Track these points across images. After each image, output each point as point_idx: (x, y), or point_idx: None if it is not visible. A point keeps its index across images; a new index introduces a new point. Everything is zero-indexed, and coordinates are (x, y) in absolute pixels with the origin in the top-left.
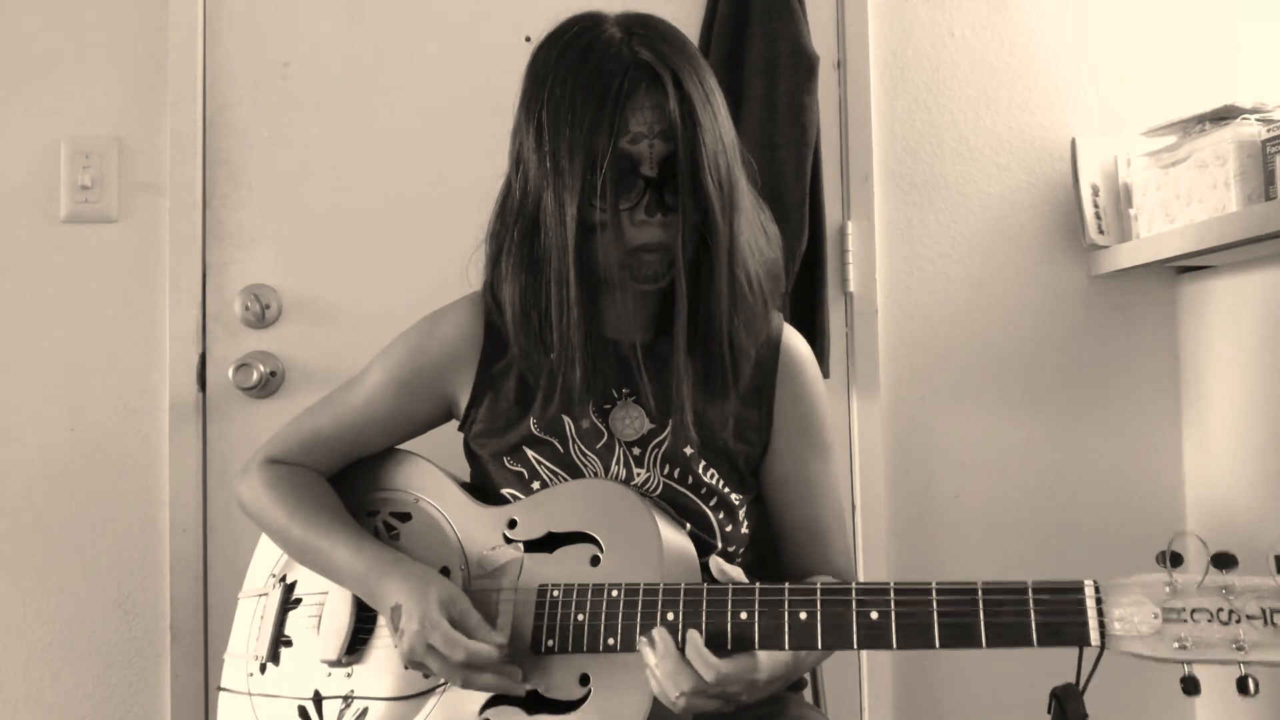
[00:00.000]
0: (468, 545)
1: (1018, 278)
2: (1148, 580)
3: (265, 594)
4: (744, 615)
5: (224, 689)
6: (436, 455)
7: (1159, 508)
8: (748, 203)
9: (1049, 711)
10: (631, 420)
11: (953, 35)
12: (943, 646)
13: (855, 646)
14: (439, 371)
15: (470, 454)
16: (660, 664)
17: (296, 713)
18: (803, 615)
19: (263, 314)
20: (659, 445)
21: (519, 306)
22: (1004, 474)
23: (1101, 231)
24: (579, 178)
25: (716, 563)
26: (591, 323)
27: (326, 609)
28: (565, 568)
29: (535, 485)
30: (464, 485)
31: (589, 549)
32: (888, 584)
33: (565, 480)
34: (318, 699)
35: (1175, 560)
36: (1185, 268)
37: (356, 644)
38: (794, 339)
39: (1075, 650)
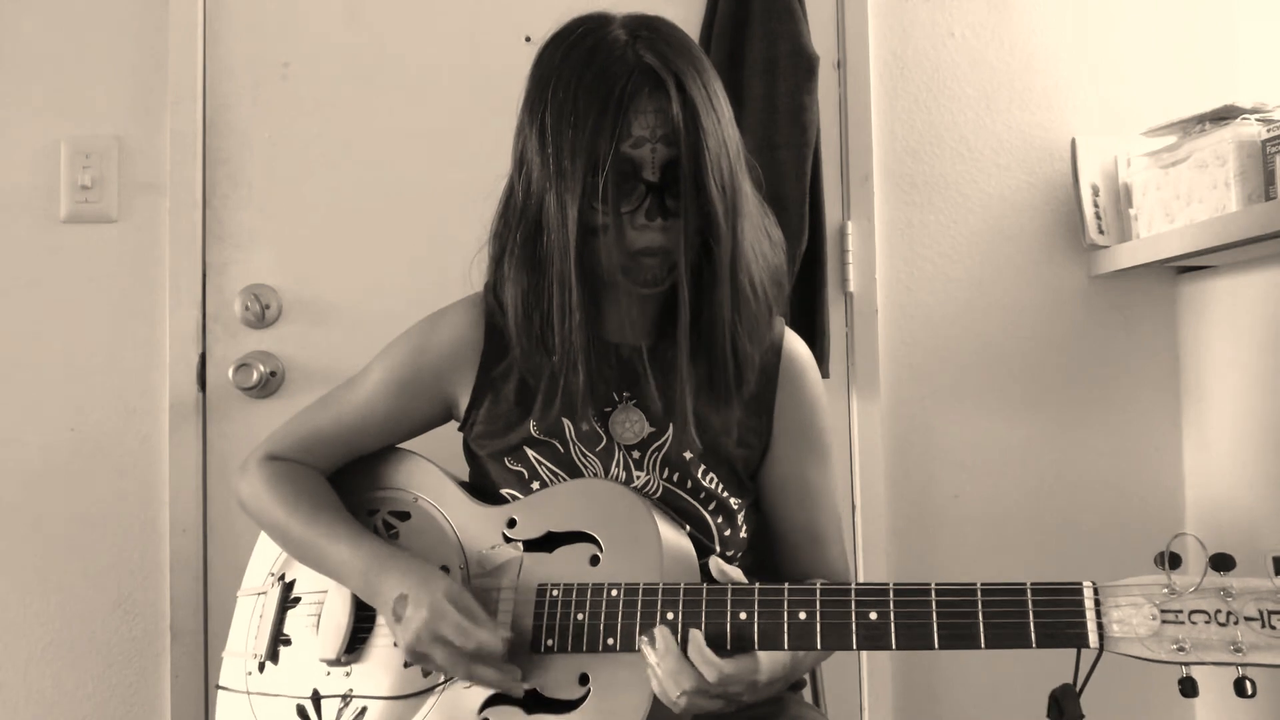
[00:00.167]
0: (467, 544)
1: (1018, 278)
2: (1146, 582)
3: (264, 592)
4: (743, 615)
5: (222, 687)
6: (436, 455)
7: (1159, 508)
8: (751, 207)
9: (1047, 713)
10: (631, 424)
11: (953, 35)
12: (942, 647)
13: (854, 647)
14: (439, 372)
15: (470, 454)
16: (662, 662)
17: (295, 711)
18: (802, 615)
19: (263, 314)
20: (659, 449)
21: (521, 308)
22: (1004, 474)
23: (1101, 231)
24: (580, 180)
25: (716, 563)
26: (593, 326)
27: (325, 608)
28: (565, 567)
29: (535, 485)
30: (463, 485)
31: (589, 549)
32: (887, 585)
33: (565, 480)
34: (316, 698)
35: (1174, 562)
36: (1185, 268)
37: (355, 643)
38: (796, 344)
39: (1073, 651)
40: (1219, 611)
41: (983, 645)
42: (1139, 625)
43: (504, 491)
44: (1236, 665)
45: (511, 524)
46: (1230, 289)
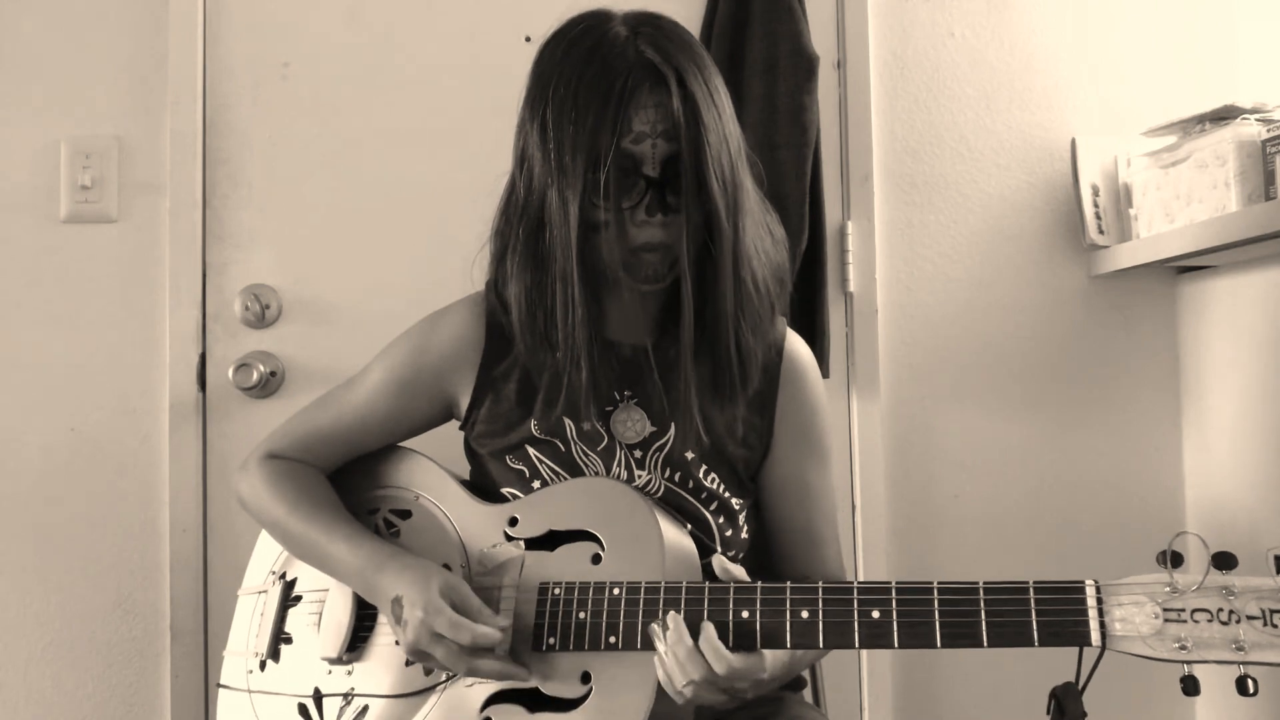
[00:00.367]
0: (468, 543)
1: (1018, 278)
2: (1148, 580)
3: (265, 591)
4: (746, 614)
5: (223, 686)
6: (437, 454)
7: (1159, 508)
8: (753, 204)
9: (1048, 711)
10: (633, 423)
11: (953, 35)
12: (944, 646)
13: (857, 646)
14: (439, 372)
15: (470, 453)
16: (672, 650)
17: (296, 710)
18: (804, 614)
19: (263, 314)
20: (660, 448)
21: (524, 305)
22: (1004, 474)
23: (1101, 231)
24: (581, 176)
25: (719, 561)
26: (596, 323)
27: (327, 606)
28: (567, 566)
29: (536, 484)
30: (464, 483)
31: (590, 547)
32: (889, 583)
33: (566, 479)
34: (318, 696)
35: (1176, 560)
36: (1185, 268)
37: (357, 641)
38: (797, 345)
39: (1075, 649)
40: (1221, 610)
41: (985, 644)
42: (1141, 624)
43: (505, 490)
44: (1238, 664)
45: (513, 522)
46: (1230, 289)
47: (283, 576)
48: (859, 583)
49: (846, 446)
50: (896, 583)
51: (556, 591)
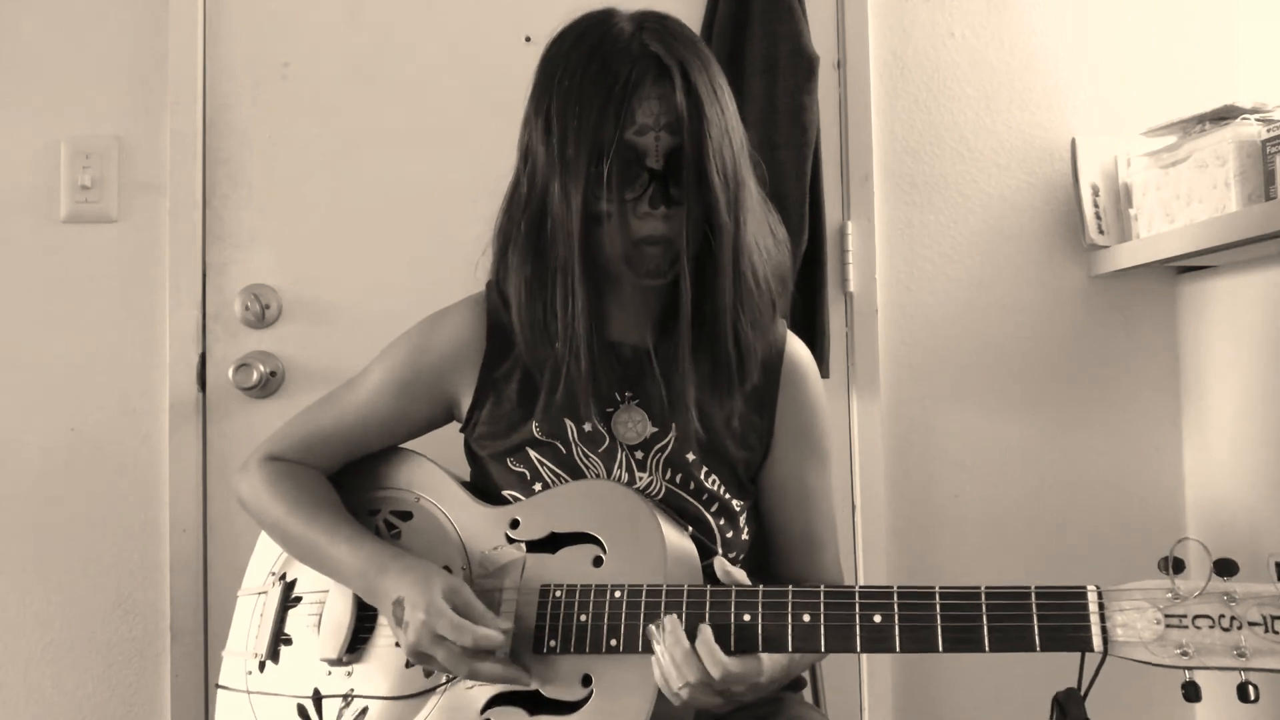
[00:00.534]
0: (469, 545)
1: (1018, 278)
2: (1150, 586)
3: (264, 592)
4: (747, 617)
5: (222, 686)
6: (437, 455)
7: (1159, 508)
8: (755, 202)
9: (1051, 717)
10: (634, 424)
11: (953, 35)
12: (946, 650)
13: (858, 650)
14: (440, 373)
15: (471, 455)
16: (668, 652)
17: (296, 711)
18: (806, 618)
19: (263, 314)
20: (661, 450)
21: (525, 297)
22: (1004, 474)
23: (1101, 231)
24: (585, 167)
25: (721, 563)
26: (597, 317)
27: (327, 607)
28: (568, 568)
29: (537, 486)
30: (465, 485)
31: (592, 549)
32: (891, 587)
33: (568, 482)
34: (317, 697)
35: (1177, 566)
36: (1185, 268)
37: (357, 643)
38: (798, 347)
39: (1076, 654)
40: (1222, 616)
41: (987, 649)
42: (1143, 629)
43: (506, 493)
44: (1240, 670)
45: (514, 524)
46: (1230, 289)
47: (282, 577)
48: (861, 587)
49: (846, 446)
50: (898, 587)
51: (558, 594)
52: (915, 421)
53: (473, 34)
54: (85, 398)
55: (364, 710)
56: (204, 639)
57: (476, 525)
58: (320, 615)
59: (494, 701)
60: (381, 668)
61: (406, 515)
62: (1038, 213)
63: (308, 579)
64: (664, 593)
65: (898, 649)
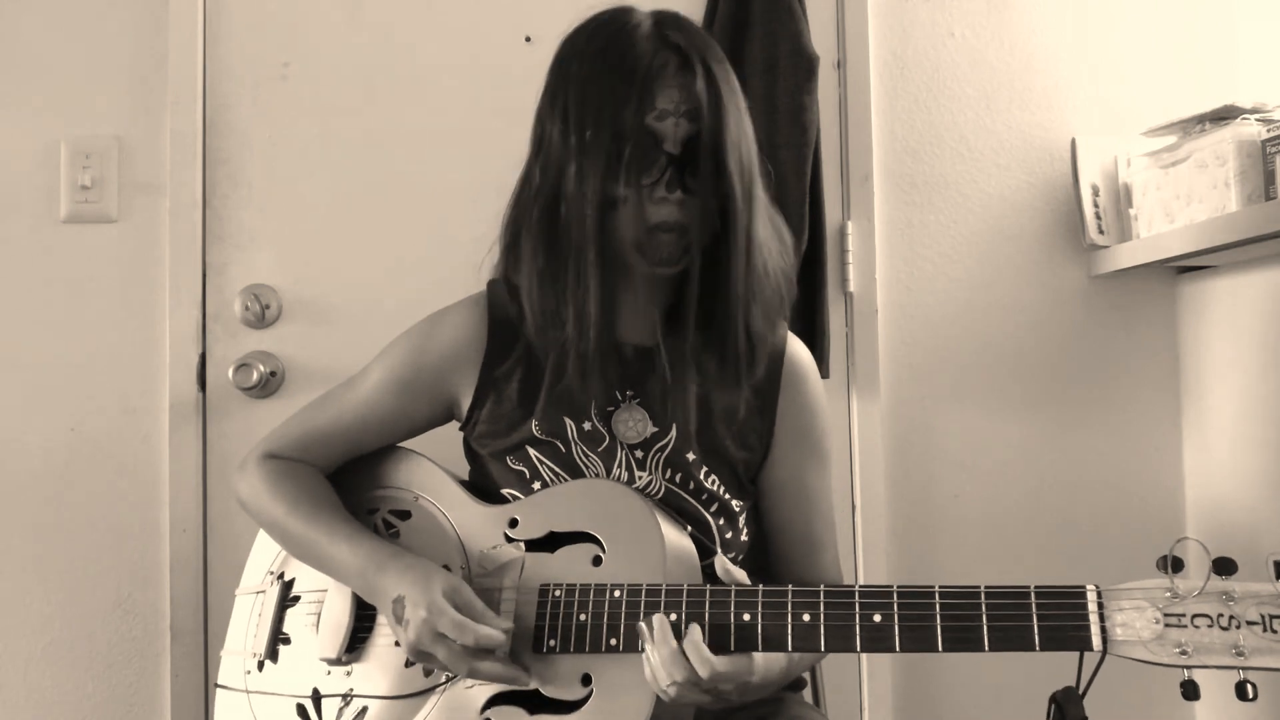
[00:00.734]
0: (468, 544)
1: (1018, 278)
2: (1149, 585)
3: (263, 591)
4: (747, 616)
5: (221, 686)
6: (436, 454)
7: (1159, 508)
8: (765, 203)
9: (1048, 716)
10: (635, 423)
11: (953, 35)
12: (946, 650)
13: (858, 649)
14: (440, 372)
15: (470, 453)
16: (655, 651)
17: (295, 711)
18: (806, 617)
19: (263, 314)
20: (662, 449)
21: (537, 284)
22: (1004, 474)
23: (1101, 231)
24: (604, 151)
25: (721, 562)
26: (609, 303)
27: (325, 607)
28: (567, 567)
29: (536, 485)
30: (464, 484)
31: (591, 549)
32: (891, 587)
33: (567, 480)
34: (316, 697)
35: (1176, 565)
36: (1185, 268)
37: (356, 642)
38: (798, 348)
39: (1074, 652)
40: (1221, 615)
41: (987, 648)
42: (1142, 629)
43: (505, 491)
44: (1238, 669)
45: (513, 524)
46: (1230, 289)
47: (281, 576)
48: (860, 586)
49: (846, 446)
50: (898, 586)
51: (557, 593)
52: (915, 421)
53: (473, 34)
54: (85, 398)
55: (363, 710)
56: (204, 639)
57: (475, 524)
58: (319, 614)
59: (494, 701)
60: (381, 667)
61: (405, 514)
62: (1038, 213)
63: (306, 578)
64: (664, 592)
65: (897, 648)
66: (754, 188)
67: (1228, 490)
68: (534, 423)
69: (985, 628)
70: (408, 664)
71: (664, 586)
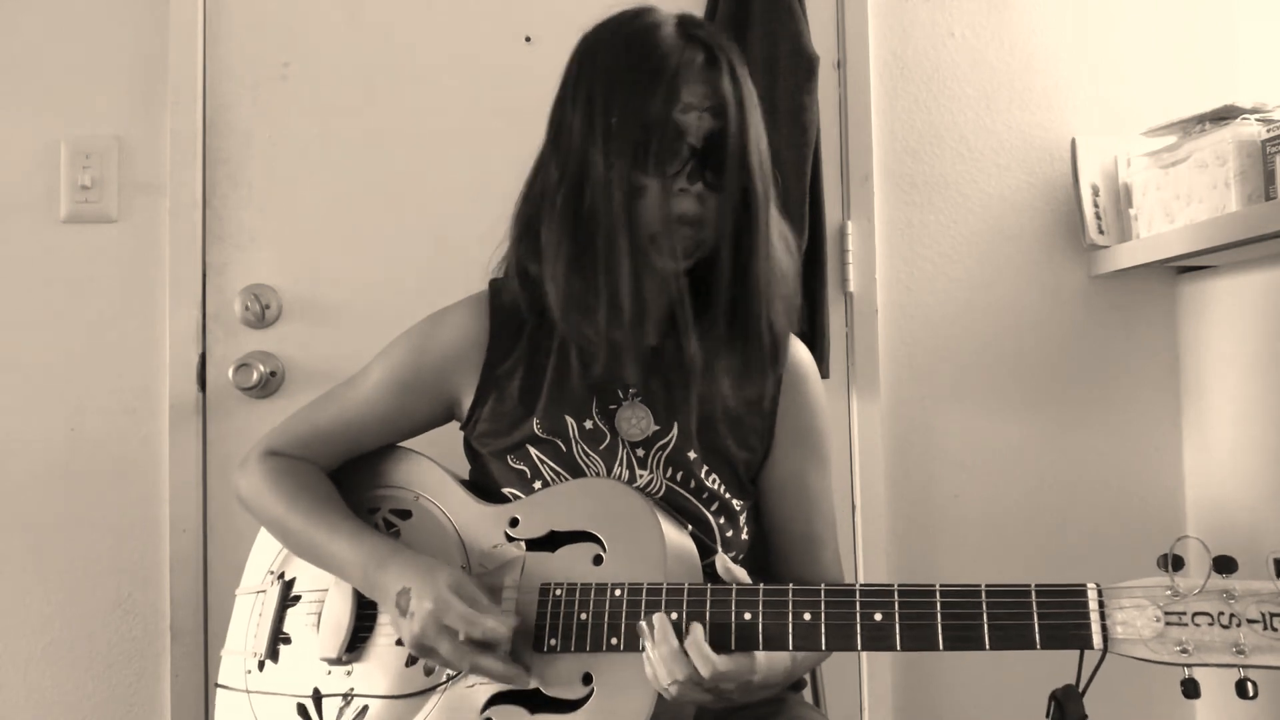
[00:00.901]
0: (469, 543)
1: (1018, 278)
2: (1150, 584)
3: (263, 591)
4: (748, 616)
5: (222, 686)
6: (436, 454)
7: (1159, 508)
8: (776, 210)
9: (1048, 714)
10: (637, 420)
11: (953, 35)
12: (946, 649)
13: (859, 648)
14: (441, 372)
15: (471, 452)
16: (657, 649)
17: (295, 710)
18: (807, 616)
19: (263, 314)
20: (663, 448)
21: (563, 271)
22: (1004, 474)
23: (1101, 231)
24: (630, 138)
25: (722, 561)
26: (640, 281)
27: (326, 606)
28: (568, 567)
29: (537, 484)
30: (465, 483)
31: (592, 548)
32: (891, 586)
33: (567, 480)
34: (317, 697)
35: (1177, 564)
36: (1185, 268)
37: (356, 642)
38: (799, 348)
39: (1074, 650)
40: (1222, 613)
41: (987, 647)
42: (1143, 627)
43: (506, 490)
44: (1238, 667)
45: (514, 523)
46: (1230, 289)
47: (281, 576)
48: (861, 585)
49: (846, 446)
50: (899, 585)
51: (558, 593)
52: (915, 421)
53: (473, 34)
54: (85, 398)
55: (364, 709)
56: (204, 639)
57: (476, 524)
58: (319, 614)
59: (494, 700)
60: (381, 667)
61: (406, 514)
62: (1038, 213)
63: (307, 577)
64: (664, 591)
65: (898, 647)
66: (769, 188)
67: (1228, 490)
68: (535, 421)
69: (986, 626)
70: (408, 664)
71: (665, 586)
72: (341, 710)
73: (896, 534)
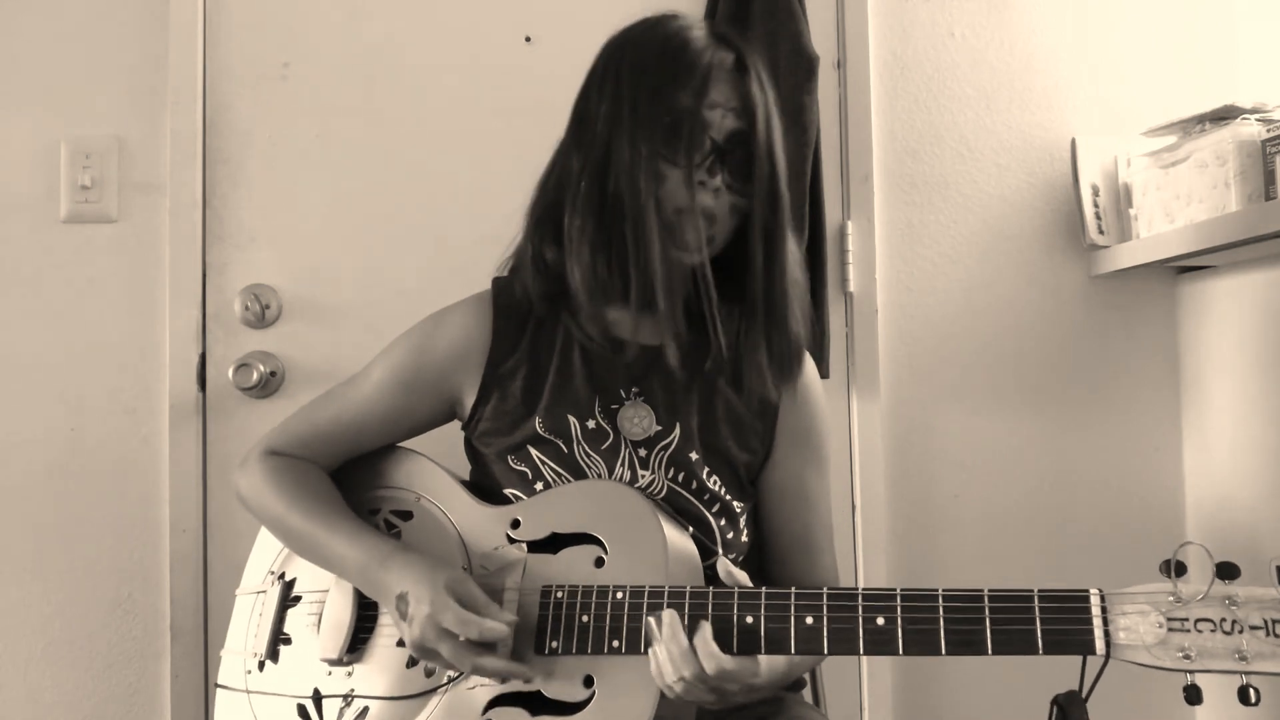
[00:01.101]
0: (470, 545)
1: (1018, 278)
2: (1152, 590)
3: (263, 591)
4: (750, 619)
5: (221, 686)
6: (437, 454)
7: (1159, 508)
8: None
9: (1050, 719)
10: (640, 419)
11: (953, 35)
12: (949, 653)
13: (861, 652)
14: (443, 371)
15: (472, 452)
16: (665, 646)
17: (295, 711)
18: (809, 620)
19: (263, 314)
20: (665, 448)
21: (588, 253)
22: (1004, 474)
23: (1101, 231)
24: (659, 124)
25: (724, 564)
26: (671, 256)
27: (327, 607)
28: (569, 569)
29: (539, 485)
30: (466, 484)
31: (593, 550)
32: (894, 590)
33: (569, 481)
34: (317, 697)
35: (1179, 570)
36: (1185, 268)
37: (357, 643)
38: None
39: (1076, 656)
40: (1224, 620)
41: (990, 652)
42: (1145, 633)
43: (507, 491)
44: (1241, 673)
45: (515, 525)
46: (1230, 289)
47: (281, 576)
48: (864, 589)
49: (846, 446)
50: (901, 589)
51: (559, 594)
52: (915, 421)
53: (473, 34)
54: (85, 398)
55: (364, 710)
56: (204, 639)
57: (477, 525)
58: (320, 615)
59: (495, 702)
60: (382, 668)
61: (407, 515)
62: (1038, 213)
63: (307, 578)
64: (666, 594)
65: (900, 651)
66: (789, 195)
67: (1228, 490)
68: (538, 420)
69: (988, 631)
70: (409, 665)
71: (666, 588)
72: (342, 711)
73: (896, 534)
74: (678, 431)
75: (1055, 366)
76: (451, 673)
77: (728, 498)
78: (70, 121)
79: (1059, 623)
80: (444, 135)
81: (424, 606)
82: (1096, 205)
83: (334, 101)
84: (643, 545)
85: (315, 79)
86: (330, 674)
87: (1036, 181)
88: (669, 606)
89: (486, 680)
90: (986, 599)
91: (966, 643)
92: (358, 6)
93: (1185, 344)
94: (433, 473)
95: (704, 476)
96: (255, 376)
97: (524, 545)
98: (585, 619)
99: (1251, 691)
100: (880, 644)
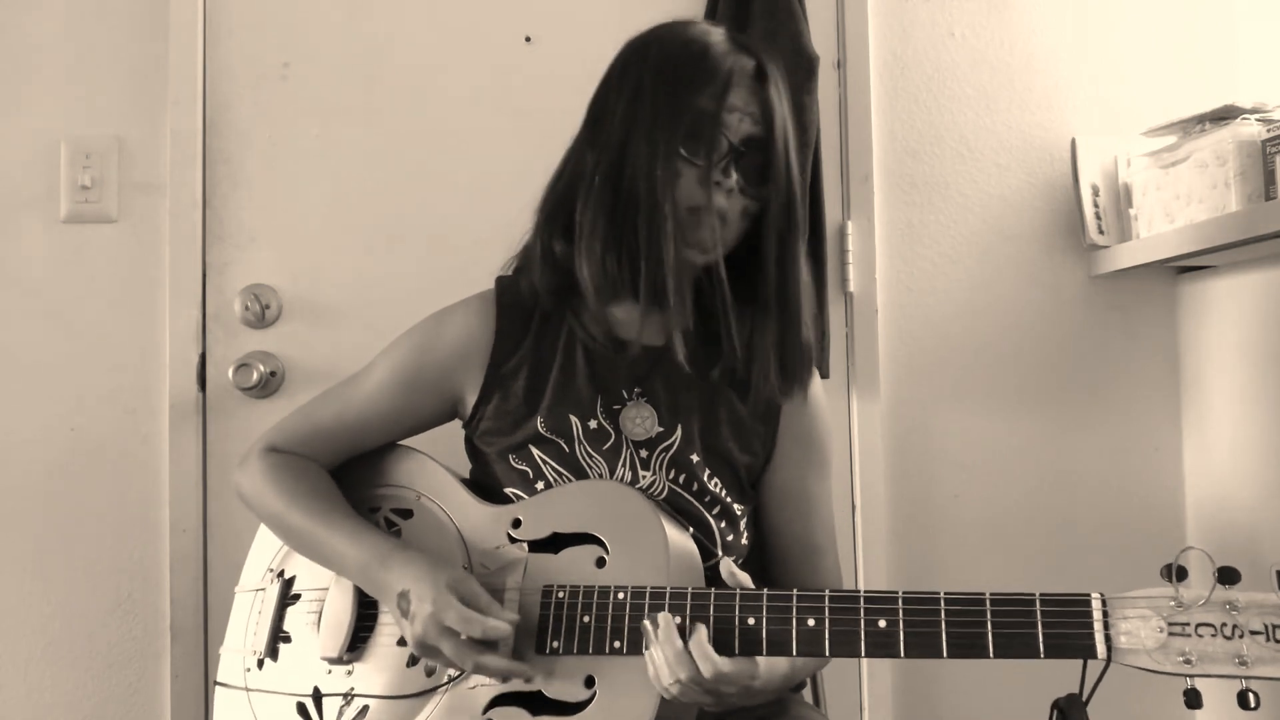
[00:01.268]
0: (471, 544)
1: (1018, 278)
2: (1153, 594)
3: (263, 589)
4: (751, 620)
5: (221, 684)
6: (437, 452)
7: (1159, 508)
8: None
9: None
10: (642, 419)
11: (953, 35)
12: (950, 656)
13: (862, 655)
14: (444, 370)
15: (473, 451)
16: (660, 648)
17: (295, 709)
18: (810, 622)
19: (263, 314)
20: (667, 449)
21: (600, 247)
22: (1004, 474)
23: (1101, 231)
24: (679, 120)
25: (727, 565)
26: (683, 253)
27: (327, 605)
28: (570, 569)
29: (540, 485)
30: (467, 483)
31: (594, 550)
32: (896, 593)
33: (570, 481)
34: (317, 696)
35: (1180, 574)
36: (1185, 268)
37: (357, 641)
38: None
39: (1077, 659)
40: (1225, 625)
41: (991, 655)
42: (1146, 637)
43: (508, 491)
44: (1241, 678)
45: (516, 524)
46: (1230, 289)
47: (281, 574)
48: (865, 592)
49: (846, 446)
50: (903, 592)
51: (560, 594)
52: (915, 421)
53: (473, 34)
54: (85, 398)
55: (364, 709)
56: (204, 638)
57: (478, 524)
58: (319, 613)
59: (496, 702)
60: (382, 667)
61: (407, 513)
62: (1038, 213)
63: (307, 576)
64: (668, 595)
65: (902, 654)
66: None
67: (1228, 490)
68: (539, 420)
69: (990, 635)
70: (410, 664)
71: (668, 589)
72: (342, 710)
73: (896, 534)
74: (679, 433)
75: (1055, 367)
76: (452, 672)
77: (728, 500)
78: (70, 121)
79: (1060, 626)
80: (444, 135)
81: (426, 605)
82: (1096, 205)
83: (334, 101)
84: (644, 546)
85: (315, 79)
86: (330, 672)
87: (1036, 181)
88: (670, 607)
89: (487, 680)
90: (988, 602)
91: (968, 645)
92: (358, 6)
93: (1185, 344)
94: (433, 471)
95: (705, 478)
96: (255, 376)
97: (525, 545)
98: (586, 619)
99: (1251, 696)
100: (882, 646)
